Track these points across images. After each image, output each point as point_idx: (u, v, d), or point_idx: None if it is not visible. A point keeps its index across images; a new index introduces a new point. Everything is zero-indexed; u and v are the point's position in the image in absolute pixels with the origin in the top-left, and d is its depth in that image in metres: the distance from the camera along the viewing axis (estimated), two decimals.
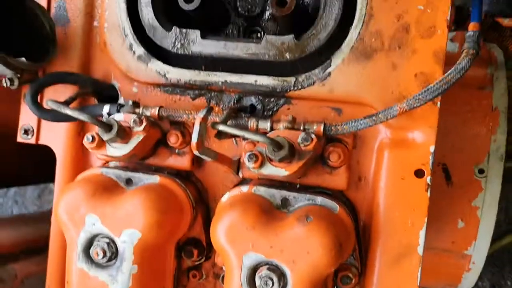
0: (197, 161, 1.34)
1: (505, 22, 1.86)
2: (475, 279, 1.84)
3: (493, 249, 2.61)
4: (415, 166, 1.18)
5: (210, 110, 1.09)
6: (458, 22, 1.82)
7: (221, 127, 1.09)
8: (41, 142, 1.43)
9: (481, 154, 1.72)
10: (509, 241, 2.64)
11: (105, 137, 1.18)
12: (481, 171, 1.71)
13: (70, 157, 1.41)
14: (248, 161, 1.12)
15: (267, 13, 1.38)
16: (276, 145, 1.08)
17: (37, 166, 2.04)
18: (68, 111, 1.17)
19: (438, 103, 1.17)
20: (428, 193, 1.17)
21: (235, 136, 1.23)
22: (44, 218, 1.87)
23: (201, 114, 1.07)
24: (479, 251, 1.74)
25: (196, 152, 1.10)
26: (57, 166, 1.42)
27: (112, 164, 1.37)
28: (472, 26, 1.16)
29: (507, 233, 2.65)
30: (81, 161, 1.42)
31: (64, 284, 1.27)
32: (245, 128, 1.17)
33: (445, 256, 1.79)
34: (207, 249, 1.34)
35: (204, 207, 1.34)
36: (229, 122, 1.17)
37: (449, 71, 1.11)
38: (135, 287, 1.18)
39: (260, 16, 1.39)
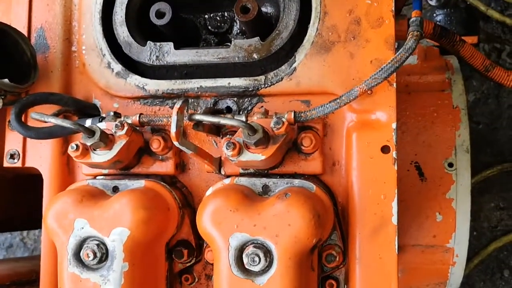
0: (180, 166, 1.41)
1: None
2: (461, 274, 1.88)
3: (480, 257, 2.67)
4: (381, 144, 1.27)
5: (186, 101, 1.18)
6: None
7: (198, 117, 1.18)
8: (27, 165, 1.48)
9: (448, 149, 1.83)
10: (495, 248, 2.70)
11: (89, 142, 1.25)
12: (451, 165, 1.81)
13: (56, 176, 1.46)
14: (227, 149, 1.20)
15: (235, 28, 1.51)
16: (251, 129, 1.17)
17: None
18: (51, 119, 1.24)
19: (394, 84, 1.28)
20: (395, 167, 1.25)
21: (211, 133, 1.32)
22: (35, 257, 1.88)
23: (177, 105, 1.16)
24: (460, 242, 1.80)
25: (176, 143, 1.17)
26: (44, 187, 1.46)
27: (98, 178, 1.43)
28: (415, 13, 1.30)
29: (492, 241, 2.71)
30: (67, 180, 1.47)
31: None
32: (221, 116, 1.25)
33: (430, 253, 1.84)
34: (197, 250, 1.38)
35: (191, 210, 1.39)
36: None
37: (398, 51, 1.23)
38: (128, 285, 1.21)
39: (229, 31, 1.52)
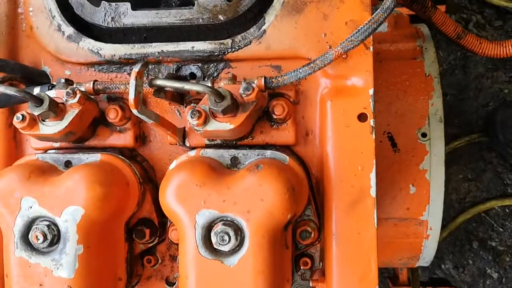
0: (140, 138, 1.29)
1: None
2: (434, 247, 1.85)
3: (449, 229, 2.67)
4: (357, 111, 1.19)
5: (146, 64, 1.06)
6: None
7: (159, 82, 1.06)
8: None
9: (422, 119, 1.77)
10: (464, 220, 2.70)
11: (36, 111, 1.11)
12: (424, 135, 1.75)
13: (1, 151, 1.32)
14: (191, 117, 1.09)
15: None
16: (218, 95, 1.06)
17: None
18: None
19: (371, 47, 1.19)
20: (373, 136, 1.17)
21: (174, 101, 1.20)
22: None
23: (135, 68, 1.04)
24: (433, 214, 1.76)
25: (134, 111, 1.05)
26: None
27: (49, 152, 1.29)
28: None
29: (460, 213, 2.71)
30: (13, 155, 1.33)
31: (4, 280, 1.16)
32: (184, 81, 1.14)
33: (403, 226, 1.79)
34: (160, 229, 1.27)
35: (153, 185, 1.28)
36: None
37: (376, 12, 1.13)
38: (83, 269, 1.09)
39: None
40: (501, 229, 2.74)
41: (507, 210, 2.75)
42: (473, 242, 2.73)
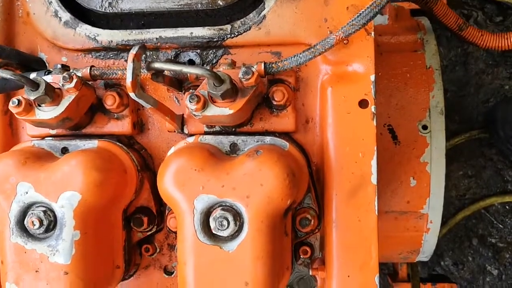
0: (138, 125, 1.28)
1: None
2: (434, 241, 1.83)
3: (449, 226, 2.65)
4: (358, 97, 1.17)
5: (143, 46, 1.04)
6: None
7: (158, 65, 1.04)
8: None
9: (422, 111, 1.75)
10: (463, 216, 2.68)
11: (32, 96, 1.10)
12: (425, 127, 1.73)
13: None
14: (190, 102, 1.07)
15: None
16: (217, 78, 1.04)
17: None
18: None
19: (372, 33, 1.18)
20: (374, 122, 1.16)
21: (173, 86, 1.18)
22: None
23: (133, 51, 1.02)
24: (434, 208, 1.74)
25: (132, 95, 1.03)
26: None
27: (46, 139, 1.28)
28: None
29: (460, 209, 2.69)
30: (10, 142, 1.31)
31: None
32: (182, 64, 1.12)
33: (403, 219, 1.77)
34: (158, 218, 1.26)
35: (151, 173, 1.27)
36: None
37: None
38: (80, 255, 1.08)
39: None
40: (501, 226, 2.72)
41: (507, 207, 2.73)
42: (473, 238, 2.71)
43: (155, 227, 1.25)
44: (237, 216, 1.03)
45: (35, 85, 1.10)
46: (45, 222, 1.07)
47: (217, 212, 1.02)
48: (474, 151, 2.73)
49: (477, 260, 2.72)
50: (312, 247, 1.22)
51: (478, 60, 2.87)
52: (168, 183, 1.06)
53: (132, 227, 1.23)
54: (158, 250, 1.29)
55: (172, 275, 1.28)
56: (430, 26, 1.95)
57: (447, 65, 2.92)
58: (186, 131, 1.22)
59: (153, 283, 1.29)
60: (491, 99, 2.82)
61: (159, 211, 1.26)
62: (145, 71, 1.08)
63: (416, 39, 1.90)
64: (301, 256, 1.21)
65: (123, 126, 1.25)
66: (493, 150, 2.73)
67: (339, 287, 1.14)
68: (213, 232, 1.02)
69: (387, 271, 2.50)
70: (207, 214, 1.04)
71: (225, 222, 1.01)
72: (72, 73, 1.14)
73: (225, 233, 1.02)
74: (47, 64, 1.30)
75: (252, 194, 1.02)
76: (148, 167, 1.27)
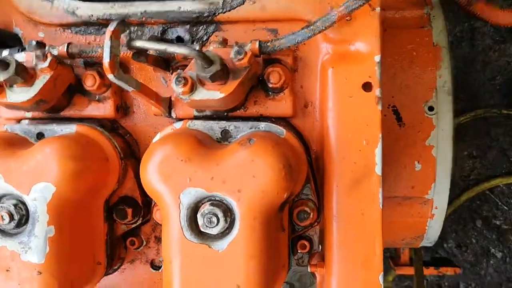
0: (122, 108, 1.17)
1: None
2: (439, 227, 1.74)
3: (452, 207, 2.57)
4: (362, 80, 1.06)
5: (122, 22, 0.93)
6: None
7: (139, 43, 0.93)
8: None
9: (429, 91, 1.64)
10: (467, 197, 2.60)
11: (2, 76, 0.99)
12: (431, 108, 1.63)
13: None
14: (176, 84, 0.96)
15: None
16: (205, 59, 0.93)
17: None
18: None
19: (377, 8, 1.06)
20: (379, 107, 1.05)
21: (159, 67, 1.08)
22: None
23: (111, 27, 0.91)
24: (439, 193, 1.65)
25: (110, 76, 0.93)
26: None
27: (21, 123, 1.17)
28: None
29: (464, 191, 2.61)
30: None
31: None
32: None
33: (407, 205, 1.68)
34: (144, 209, 1.16)
35: (136, 161, 1.17)
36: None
37: None
38: (55, 253, 0.98)
39: None
40: (505, 208, 2.64)
41: None
42: (477, 220, 2.64)
43: (141, 218, 1.16)
44: (228, 212, 0.93)
45: (4, 64, 0.99)
46: (16, 217, 0.98)
47: (206, 208, 0.93)
48: (480, 130, 2.63)
49: (481, 242, 2.65)
50: (311, 241, 1.14)
51: (485, 36, 2.74)
52: (152, 174, 0.96)
53: (115, 218, 1.14)
54: (144, 243, 1.21)
55: (160, 270, 1.20)
56: (437, 1, 1.83)
57: (453, 41, 2.80)
58: (173, 115, 1.12)
59: (139, 278, 1.21)
60: (497, 76, 2.71)
61: (144, 201, 1.16)
62: (126, 50, 0.98)
63: (423, 15, 1.78)
64: (299, 251, 1.12)
65: (105, 109, 1.15)
66: (499, 130, 2.64)
67: (340, 285, 1.06)
68: (201, 229, 0.93)
69: (389, 254, 2.43)
70: (194, 210, 0.95)
71: (214, 219, 0.92)
72: (47, 51, 1.03)
73: (214, 231, 0.92)
74: (22, 40, 1.20)
75: (244, 187, 0.93)
76: (133, 154, 1.17)
